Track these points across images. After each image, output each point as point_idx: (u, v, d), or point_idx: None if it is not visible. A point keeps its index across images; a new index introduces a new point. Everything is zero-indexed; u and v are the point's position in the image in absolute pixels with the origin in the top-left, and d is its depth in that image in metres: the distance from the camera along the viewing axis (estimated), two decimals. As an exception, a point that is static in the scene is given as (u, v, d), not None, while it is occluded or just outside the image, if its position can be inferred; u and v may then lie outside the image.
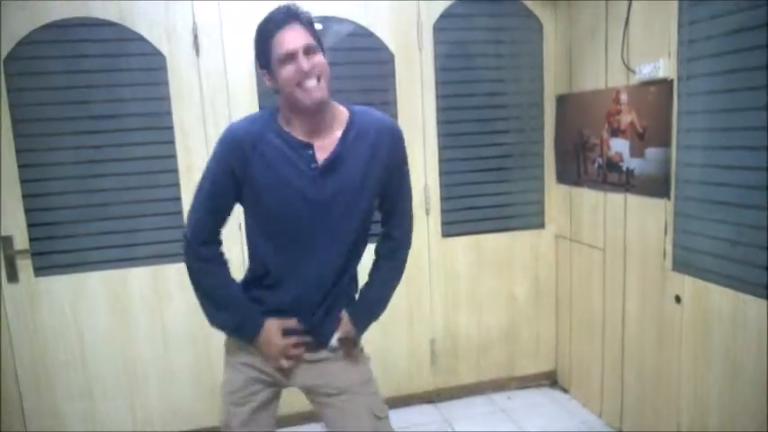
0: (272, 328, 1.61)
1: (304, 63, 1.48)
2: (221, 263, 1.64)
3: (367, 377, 1.74)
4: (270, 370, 1.67)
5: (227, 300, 1.63)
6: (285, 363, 1.63)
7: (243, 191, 1.58)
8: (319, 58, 1.50)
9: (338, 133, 1.57)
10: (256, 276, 1.66)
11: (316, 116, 1.54)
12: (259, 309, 1.63)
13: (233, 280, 1.66)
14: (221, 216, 1.62)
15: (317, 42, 1.52)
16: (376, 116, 1.64)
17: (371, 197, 1.63)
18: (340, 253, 1.61)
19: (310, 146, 1.54)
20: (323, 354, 1.68)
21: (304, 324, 1.63)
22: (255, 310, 1.63)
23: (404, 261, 1.78)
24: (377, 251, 1.76)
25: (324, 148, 1.55)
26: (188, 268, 1.62)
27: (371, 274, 1.75)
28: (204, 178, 1.60)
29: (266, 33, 1.50)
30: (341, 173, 1.56)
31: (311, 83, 1.48)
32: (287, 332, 1.62)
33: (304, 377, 1.69)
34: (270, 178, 1.54)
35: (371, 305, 1.74)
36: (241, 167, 1.54)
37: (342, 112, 1.60)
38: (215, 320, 1.65)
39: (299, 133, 1.55)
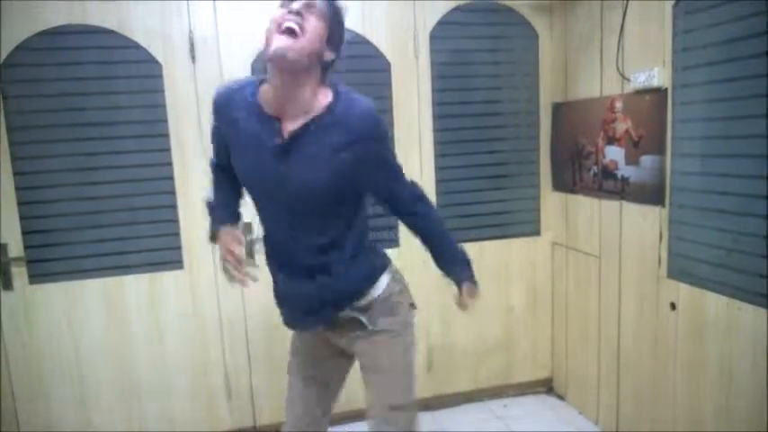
0: (225, 233, 1.70)
1: (286, 13, 1.44)
2: (228, 177, 1.76)
3: (394, 362, 1.73)
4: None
5: (215, 201, 1.80)
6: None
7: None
8: (312, 21, 1.46)
9: (311, 115, 1.52)
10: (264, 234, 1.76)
11: (285, 88, 1.49)
12: (227, 218, 1.76)
13: (229, 190, 1.79)
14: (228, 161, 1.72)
15: (330, 23, 1.49)
16: (357, 107, 1.55)
17: (339, 183, 1.56)
18: (307, 231, 1.62)
19: (278, 120, 1.53)
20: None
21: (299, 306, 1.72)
22: (222, 218, 1.76)
23: (436, 215, 1.82)
24: (412, 228, 1.81)
25: (293, 126, 1.52)
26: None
27: (426, 241, 1.82)
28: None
29: None
30: (304, 153, 1.52)
31: (281, 35, 1.44)
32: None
33: (350, 345, 1.77)
34: (238, 144, 1.62)
35: (453, 257, 1.86)
36: (224, 127, 1.65)
37: (325, 96, 1.55)
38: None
39: (270, 106, 1.54)
